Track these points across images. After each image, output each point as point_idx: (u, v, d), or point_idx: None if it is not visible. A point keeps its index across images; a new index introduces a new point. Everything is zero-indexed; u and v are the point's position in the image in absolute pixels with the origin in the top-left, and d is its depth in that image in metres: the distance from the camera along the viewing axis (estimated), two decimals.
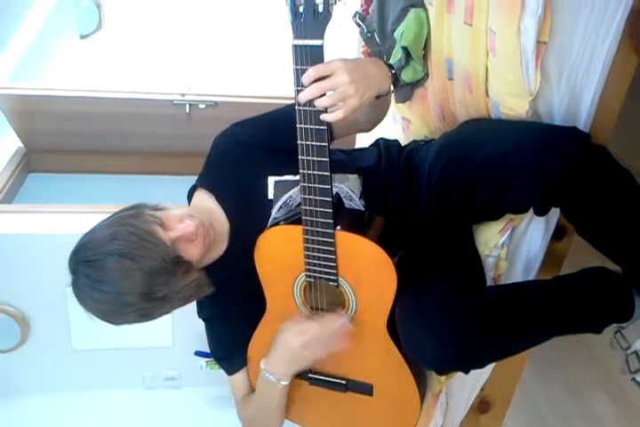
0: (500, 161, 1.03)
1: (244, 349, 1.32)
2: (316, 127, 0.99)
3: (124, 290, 1.05)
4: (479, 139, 1.11)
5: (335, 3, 0.91)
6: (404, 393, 1.23)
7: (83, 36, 3.20)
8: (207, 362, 2.34)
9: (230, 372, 1.35)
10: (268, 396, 1.27)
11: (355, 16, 1.79)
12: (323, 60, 0.94)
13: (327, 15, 0.90)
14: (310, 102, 0.97)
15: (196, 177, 1.30)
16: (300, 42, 0.92)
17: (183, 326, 2.16)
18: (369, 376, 1.26)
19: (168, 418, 2.22)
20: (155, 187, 2.72)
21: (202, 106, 2.50)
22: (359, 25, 1.77)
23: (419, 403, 1.23)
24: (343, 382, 1.28)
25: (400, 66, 1.41)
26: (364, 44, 1.80)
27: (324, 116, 0.97)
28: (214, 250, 1.22)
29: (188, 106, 2.48)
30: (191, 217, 1.13)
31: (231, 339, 1.33)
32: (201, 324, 1.35)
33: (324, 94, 0.96)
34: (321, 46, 0.92)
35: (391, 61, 1.49)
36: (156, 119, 2.53)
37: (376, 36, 1.63)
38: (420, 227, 1.22)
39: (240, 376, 1.35)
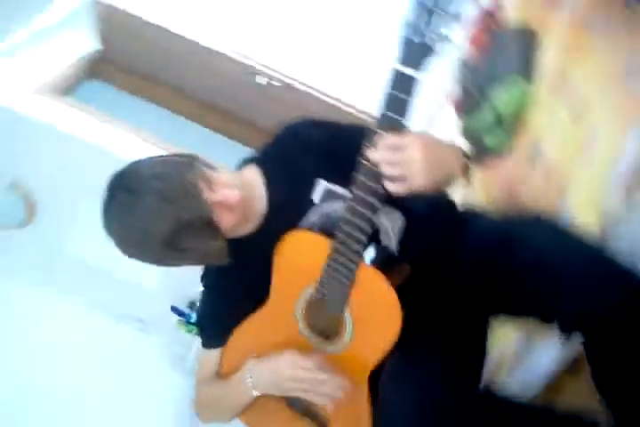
0: (554, 275, 1.02)
1: (228, 330, 1.31)
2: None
3: (152, 229, 1.06)
4: (543, 246, 1.08)
5: (446, 40, 0.91)
6: None
7: None
8: (179, 321, 2.39)
9: (206, 346, 1.35)
10: (235, 394, 1.28)
11: (460, 62, 1.82)
12: (411, 93, 0.91)
13: (435, 49, 0.88)
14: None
15: (241, 146, 1.29)
16: (400, 67, 0.89)
17: (174, 278, 2.20)
18: (329, 415, 1.27)
19: (119, 355, 2.25)
20: (199, 138, 2.73)
21: (277, 83, 2.51)
22: (461, 72, 1.79)
23: None
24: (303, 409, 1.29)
25: (484, 127, 1.45)
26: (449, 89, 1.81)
27: (386, 183, 0.96)
28: (243, 227, 1.22)
29: (266, 79, 2.51)
30: (238, 188, 1.14)
31: (221, 316, 1.33)
32: (192, 288, 1.36)
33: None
34: (416, 79, 0.89)
35: (474, 119, 1.53)
36: (231, 79, 2.56)
37: (470, 88, 1.65)
38: (442, 297, 1.21)
39: (213, 354, 1.34)
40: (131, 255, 1.14)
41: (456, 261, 1.20)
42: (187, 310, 3.15)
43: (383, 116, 0.93)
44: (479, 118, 1.47)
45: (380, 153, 0.94)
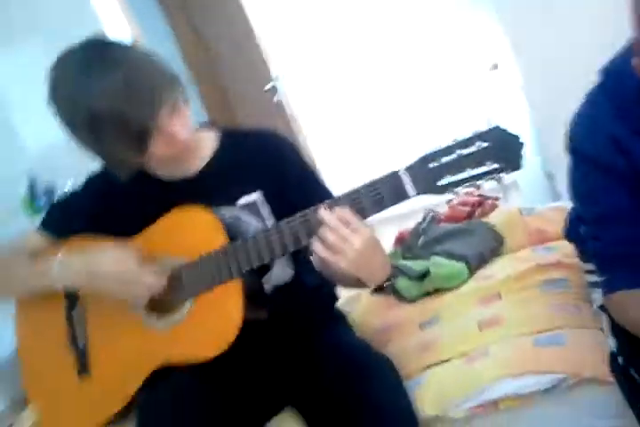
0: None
1: (68, 231, 1.30)
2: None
3: (94, 101, 1.05)
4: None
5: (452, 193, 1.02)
6: None
7: None
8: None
9: (42, 228, 1.34)
10: (29, 276, 1.24)
11: (428, 213, 2.01)
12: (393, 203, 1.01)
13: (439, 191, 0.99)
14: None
15: None
16: (402, 177, 1.00)
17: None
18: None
19: None
20: None
21: None
22: (424, 220, 1.98)
23: None
24: None
25: (407, 271, 1.61)
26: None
27: (315, 242, 1.03)
28: (161, 169, 1.24)
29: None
30: (190, 133, 1.16)
31: (76, 216, 1.32)
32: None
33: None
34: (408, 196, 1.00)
35: (404, 260, 1.70)
36: None
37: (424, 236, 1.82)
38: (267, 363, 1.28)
39: (39, 239, 1.32)
40: (55, 108, 1.13)
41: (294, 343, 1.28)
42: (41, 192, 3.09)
43: (356, 197, 1.02)
44: (408, 263, 1.64)
45: (333, 217, 1.02)
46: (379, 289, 1.10)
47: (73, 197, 1.39)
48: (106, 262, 1.16)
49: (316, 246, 1.03)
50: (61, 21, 2.92)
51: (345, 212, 1.02)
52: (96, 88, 1.06)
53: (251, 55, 3.55)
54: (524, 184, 2.51)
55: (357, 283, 1.14)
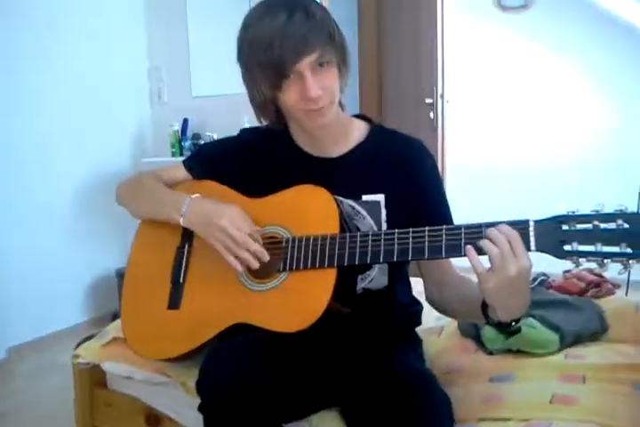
0: None
1: (209, 173, 1.40)
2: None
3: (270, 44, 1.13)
4: None
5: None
6: None
7: None
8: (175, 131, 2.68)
9: (186, 164, 1.45)
10: (162, 202, 1.34)
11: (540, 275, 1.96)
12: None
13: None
14: None
15: None
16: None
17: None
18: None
19: None
20: None
21: None
22: (533, 280, 1.92)
23: None
24: None
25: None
26: None
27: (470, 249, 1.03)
28: (315, 146, 1.31)
29: None
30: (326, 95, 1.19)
31: (219, 163, 1.41)
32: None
33: None
34: None
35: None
36: None
37: None
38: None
39: (183, 173, 1.44)
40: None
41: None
42: (190, 134, 3.33)
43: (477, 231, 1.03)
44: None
45: (502, 236, 0.99)
46: (501, 325, 1.08)
47: (223, 143, 1.49)
48: (225, 219, 1.22)
49: (472, 256, 1.01)
50: None
51: (514, 233, 1.00)
52: (265, 18, 1.15)
53: (424, 66, 3.57)
54: None
55: (479, 313, 1.11)
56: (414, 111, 3.63)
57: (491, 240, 1.00)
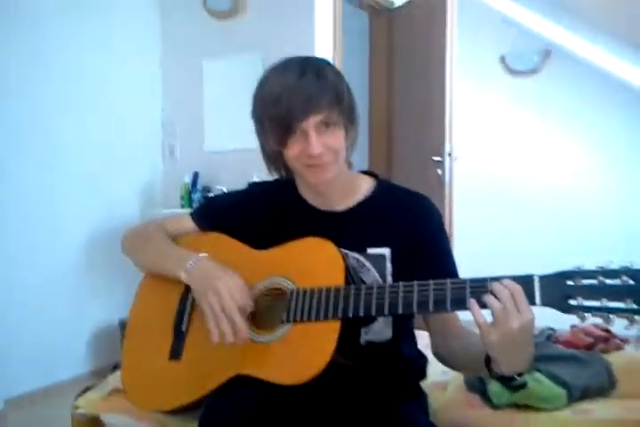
0: None
1: (215, 226, 1.41)
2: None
3: (275, 100, 1.18)
4: None
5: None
6: None
7: None
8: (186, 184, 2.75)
9: (194, 216, 1.47)
10: (166, 256, 1.35)
11: (547, 330, 1.93)
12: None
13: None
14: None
15: None
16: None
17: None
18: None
19: None
20: None
21: None
22: (540, 335, 1.89)
23: None
24: None
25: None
26: None
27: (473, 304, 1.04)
28: (318, 198, 1.34)
29: None
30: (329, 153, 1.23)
31: (227, 216, 1.42)
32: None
33: None
34: None
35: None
36: None
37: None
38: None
39: (189, 224, 1.46)
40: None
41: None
42: (200, 187, 3.38)
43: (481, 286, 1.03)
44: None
45: (505, 290, 1.00)
46: (504, 379, 1.06)
47: (231, 196, 1.53)
48: (224, 285, 1.21)
49: (476, 311, 1.02)
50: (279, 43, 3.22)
51: (517, 288, 1.01)
52: (278, 75, 1.20)
53: (433, 125, 3.64)
54: None
55: (482, 366, 1.10)
56: (422, 168, 3.69)
57: (494, 294, 1.01)
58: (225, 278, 1.22)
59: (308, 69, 1.19)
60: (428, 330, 1.35)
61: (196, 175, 3.46)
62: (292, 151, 1.22)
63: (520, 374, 1.06)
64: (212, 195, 3.26)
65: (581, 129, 4.11)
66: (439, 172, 3.58)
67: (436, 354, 1.35)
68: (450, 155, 3.59)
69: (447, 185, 3.60)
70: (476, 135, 4.29)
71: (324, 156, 1.21)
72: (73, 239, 3.23)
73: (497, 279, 1.03)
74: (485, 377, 1.49)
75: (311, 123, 1.18)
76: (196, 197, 3.36)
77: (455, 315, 1.31)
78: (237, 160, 3.28)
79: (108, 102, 3.39)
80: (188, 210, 2.93)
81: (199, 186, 3.43)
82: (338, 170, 1.27)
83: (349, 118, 1.25)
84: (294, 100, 1.16)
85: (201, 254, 1.29)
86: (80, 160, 3.25)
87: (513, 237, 4.21)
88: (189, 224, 1.46)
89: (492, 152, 4.36)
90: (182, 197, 3.43)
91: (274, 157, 1.30)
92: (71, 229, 3.22)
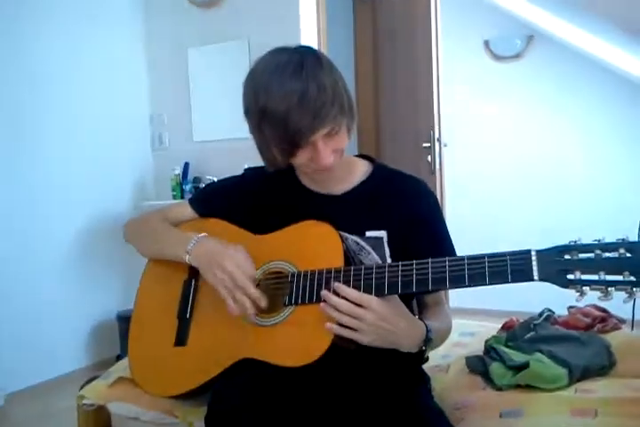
0: None
1: (213, 211, 1.43)
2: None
3: (270, 99, 1.15)
4: None
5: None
6: None
7: None
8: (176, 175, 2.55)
9: (192, 203, 1.48)
10: (168, 241, 1.36)
11: (546, 311, 1.95)
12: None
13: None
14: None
15: None
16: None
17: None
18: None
19: None
20: None
21: None
22: (539, 316, 1.91)
23: None
24: None
25: (505, 358, 1.57)
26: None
27: (329, 326, 1.09)
28: (314, 182, 1.34)
29: None
30: (336, 156, 1.23)
31: (223, 200, 1.44)
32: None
33: None
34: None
35: (506, 347, 1.67)
36: None
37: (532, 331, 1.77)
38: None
39: (188, 211, 1.47)
40: (243, 91, 1.25)
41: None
42: (191, 177, 3.37)
43: (480, 263, 1.05)
44: (511, 352, 1.60)
45: (339, 300, 1.08)
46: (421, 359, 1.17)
47: (228, 182, 1.51)
48: (229, 260, 1.23)
49: (328, 325, 1.09)
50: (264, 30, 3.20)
51: (347, 293, 1.08)
52: (279, 89, 1.15)
53: (420, 109, 3.65)
54: None
55: (396, 347, 1.18)
56: (412, 155, 3.69)
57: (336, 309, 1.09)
58: (228, 251, 1.24)
59: (309, 79, 1.16)
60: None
61: (186, 166, 3.44)
62: (300, 160, 1.23)
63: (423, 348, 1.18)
64: (203, 185, 3.25)
65: (566, 112, 4.15)
66: (429, 159, 3.59)
67: None
68: (439, 140, 3.59)
69: (437, 171, 3.61)
70: (462, 121, 4.31)
71: (332, 160, 1.23)
72: (67, 234, 3.22)
73: (496, 256, 1.05)
74: (489, 361, 1.55)
75: (319, 136, 1.18)
76: (188, 187, 3.36)
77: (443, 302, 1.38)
78: (228, 149, 3.27)
79: (94, 96, 3.37)
80: (179, 201, 2.92)
81: (190, 177, 3.42)
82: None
83: (351, 117, 1.25)
84: (301, 120, 1.14)
85: (200, 234, 1.31)
86: (69, 155, 3.23)
87: (505, 222, 4.25)
88: (188, 211, 1.47)
89: (479, 137, 4.38)
90: (173, 189, 3.42)
91: (272, 160, 1.27)
92: (65, 220, 3.21)
